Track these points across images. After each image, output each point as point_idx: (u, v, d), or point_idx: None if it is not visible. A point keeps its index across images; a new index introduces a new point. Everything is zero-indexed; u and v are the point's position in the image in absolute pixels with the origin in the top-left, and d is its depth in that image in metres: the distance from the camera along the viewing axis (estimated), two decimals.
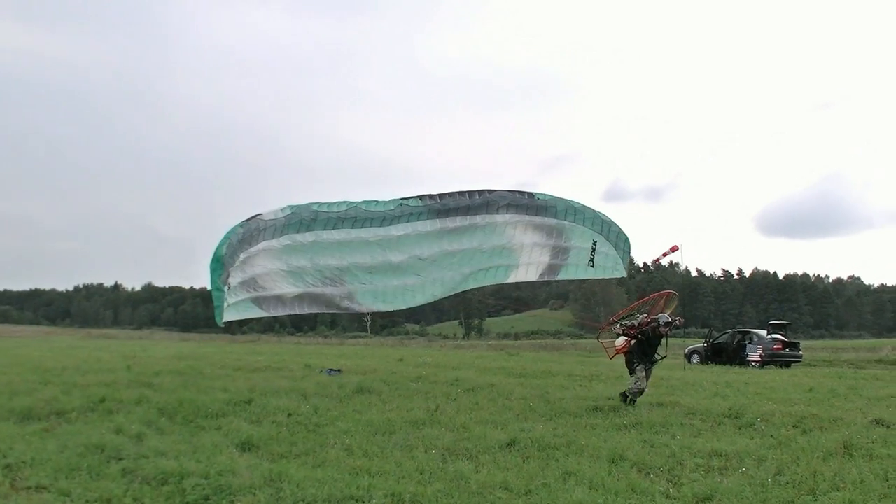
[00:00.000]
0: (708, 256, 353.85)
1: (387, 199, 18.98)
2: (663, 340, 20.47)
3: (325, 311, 19.78)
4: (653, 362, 20.35)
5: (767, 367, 43.06)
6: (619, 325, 20.98)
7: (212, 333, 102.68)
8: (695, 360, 47.27)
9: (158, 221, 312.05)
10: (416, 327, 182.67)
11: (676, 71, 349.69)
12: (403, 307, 20.80)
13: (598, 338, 23.91)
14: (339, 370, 30.70)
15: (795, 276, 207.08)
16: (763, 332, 47.73)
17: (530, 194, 20.69)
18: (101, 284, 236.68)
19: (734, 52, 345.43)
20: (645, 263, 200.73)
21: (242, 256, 17.43)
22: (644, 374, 19.71)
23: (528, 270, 21.83)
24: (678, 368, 37.32)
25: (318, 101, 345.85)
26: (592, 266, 21.75)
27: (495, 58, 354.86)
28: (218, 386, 22.95)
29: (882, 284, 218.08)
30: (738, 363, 44.61)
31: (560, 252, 21.68)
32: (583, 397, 21.66)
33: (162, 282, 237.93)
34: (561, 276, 22.24)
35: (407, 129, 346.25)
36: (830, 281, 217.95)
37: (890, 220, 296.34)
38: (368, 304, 20.13)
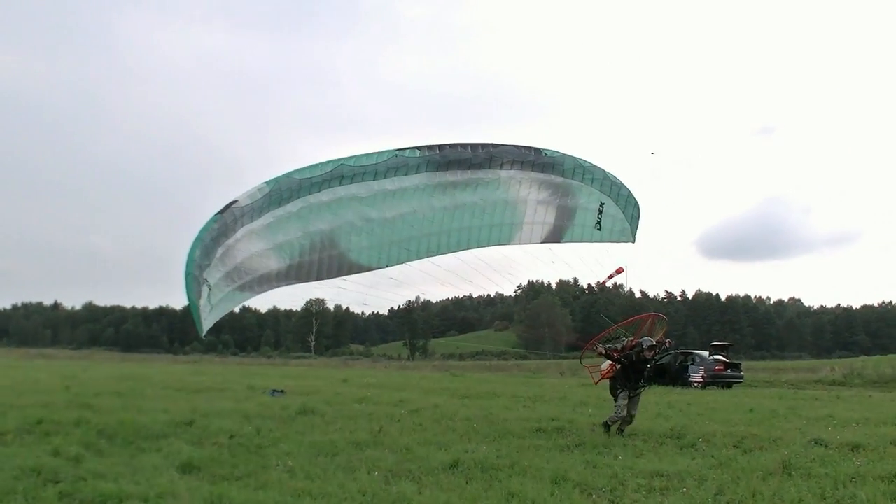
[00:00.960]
0: (651, 278, 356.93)
1: (380, 150, 17.36)
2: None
3: (314, 280, 17.61)
4: (638, 389, 18.97)
5: (709, 387, 43.60)
6: (601, 346, 19.62)
7: (154, 353, 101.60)
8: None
9: (98, 239, 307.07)
10: (361, 348, 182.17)
11: (620, 93, 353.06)
12: (397, 265, 18.55)
13: (581, 361, 22.31)
14: (282, 391, 30.52)
15: (737, 297, 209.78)
16: (705, 354, 48.26)
17: (537, 150, 19.00)
18: (39, 303, 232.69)
19: (676, 75, 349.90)
20: (589, 284, 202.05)
21: (220, 252, 16.14)
22: (627, 401, 18.54)
23: (532, 231, 19.69)
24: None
25: (269, 116, 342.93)
26: (599, 229, 20.06)
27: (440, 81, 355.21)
28: (159, 407, 22.68)
29: (822, 306, 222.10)
30: (680, 384, 44.96)
31: (566, 213, 19.85)
32: (526, 418, 21.73)
33: (103, 301, 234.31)
34: (566, 240, 20.23)
35: (354, 147, 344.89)
36: (772, 303, 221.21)
37: (829, 243, 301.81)
38: (363, 261, 18.00)
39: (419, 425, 19.93)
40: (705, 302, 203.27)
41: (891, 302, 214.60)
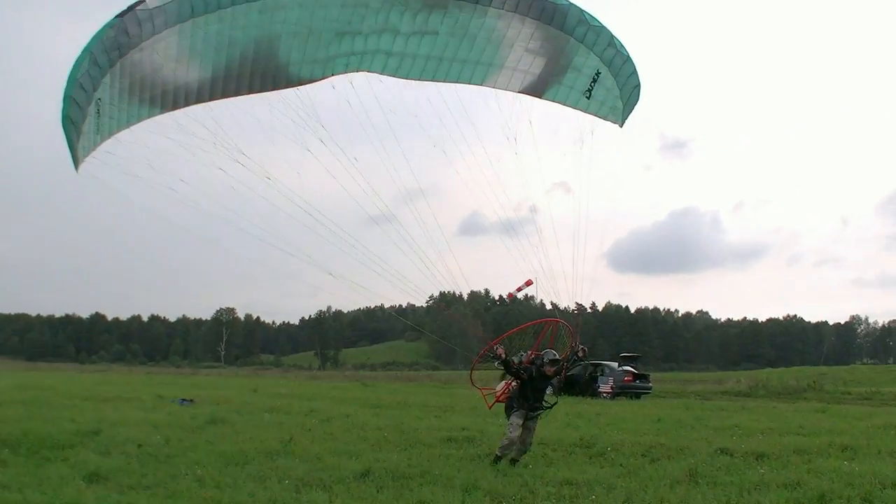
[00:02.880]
0: (562, 290, 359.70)
1: None
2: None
3: (244, 93, 14.54)
4: (536, 410, 15.88)
5: (618, 398, 44.09)
6: (500, 347, 15.70)
7: (60, 363, 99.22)
8: (548, 391, 47.87)
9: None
10: (271, 357, 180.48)
11: (530, 107, 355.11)
12: (345, 73, 15.43)
13: (471, 380, 17.02)
14: (191, 400, 30.11)
15: (646, 310, 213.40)
16: (614, 365, 48.83)
17: None
18: None
19: None
20: (500, 296, 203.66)
21: (119, 64, 12.83)
22: (521, 422, 15.42)
23: (511, 77, 16.70)
24: None
25: None
26: (589, 97, 16.74)
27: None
28: (65, 416, 22.14)
29: (728, 319, 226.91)
30: (590, 394, 45.39)
31: (555, 68, 16.63)
32: (437, 427, 21.78)
33: (6, 308, 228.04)
34: (548, 96, 17.07)
35: (259, 161, 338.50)
36: (680, 315, 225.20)
37: (736, 257, 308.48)
38: (304, 74, 14.96)
39: (330, 434, 19.85)
40: (615, 314, 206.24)
41: (795, 315, 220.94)
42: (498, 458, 15.52)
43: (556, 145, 17.48)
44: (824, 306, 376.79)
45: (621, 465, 15.52)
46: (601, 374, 47.44)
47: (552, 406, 16.77)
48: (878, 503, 11.88)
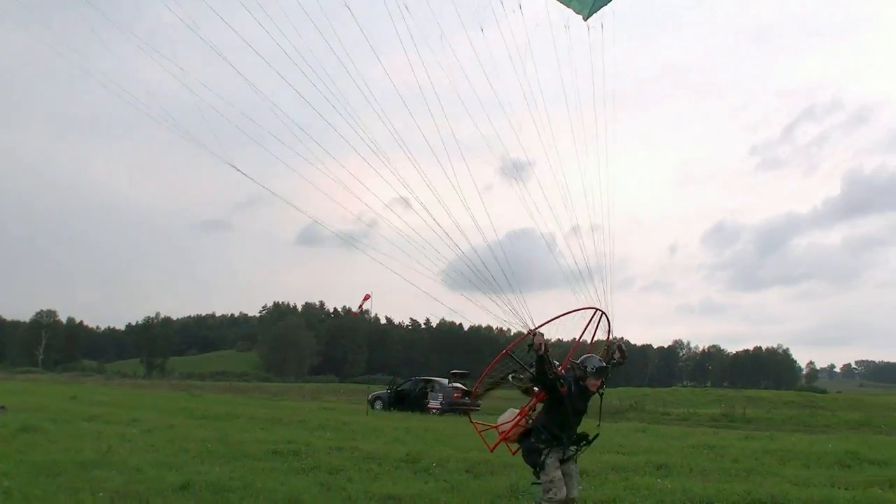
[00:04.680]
0: (398, 306, 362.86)
1: None
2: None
3: None
4: (577, 446, 10.58)
5: (447, 414, 44.45)
6: (510, 376, 11.17)
7: None
8: (378, 406, 48.01)
9: None
10: (94, 364, 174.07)
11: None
12: None
13: (469, 416, 13.13)
14: (3, 407, 28.73)
15: (479, 328, 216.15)
16: (444, 381, 49.32)
17: None
18: None
19: None
20: (335, 308, 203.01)
21: None
22: (558, 466, 10.18)
23: None
24: (361, 414, 37.80)
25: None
26: None
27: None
28: None
29: (558, 340, 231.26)
30: (420, 410, 45.66)
31: None
32: (263, 440, 21.43)
33: None
34: None
35: (96, 155, 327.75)
36: (513, 334, 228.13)
37: (570, 277, 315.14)
38: None
39: (151, 446, 19.27)
40: (449, 331, 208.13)
41: (622, 337, 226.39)
42: None
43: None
44: (649, 330, 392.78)
45: (445, 480, 15.60)
46: (431, 390, 47.85)
47: (596, 437, 10.88)
48: None
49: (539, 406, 10.69)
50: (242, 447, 19.66)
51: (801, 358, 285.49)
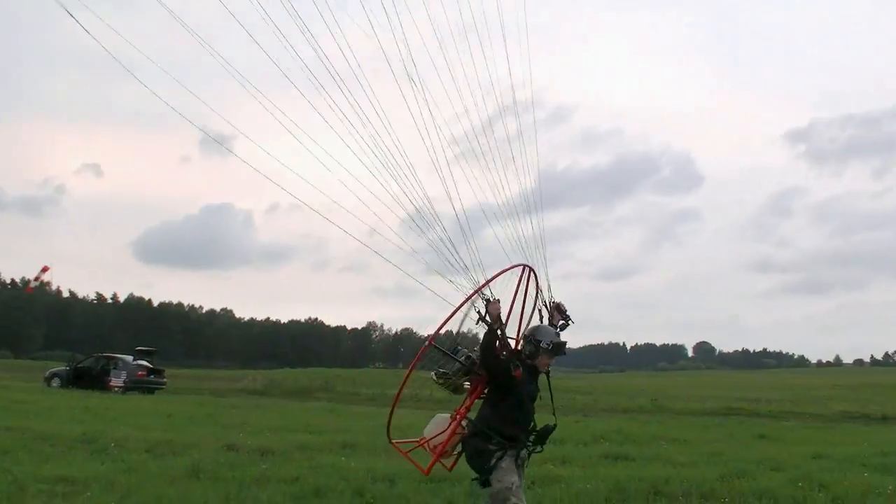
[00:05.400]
0: (83, 278, 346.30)
1: None
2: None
3: None
4: (542, 441, 8.30)
5: (131, 392, 43.19)
6: (432, 374, 8.51)
7: None
8: (55, 384, 45.75)
9: None
10: None
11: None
12: None
13: (388, 434, 9.06)
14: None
15: (170, 304, 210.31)
16: (129, 358, 47.79)
17: None
18: None
19: None
20: (13, 280, 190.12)
21: None
22: (515, 471, 7.86)
23: None
24: (36, 392, 35.93)
25: None
26: None
27: None
28: None
29: (252, 318, 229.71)
30: (101, 388, 43.93)
31: None
32: None
33: None
34: None
35: None
36: (204, 312, 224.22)
37: (266, 257, 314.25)
38: None
39: None
40: (137, 306, 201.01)
41: (317, 319, 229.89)
42: None
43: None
44: (344, 311, 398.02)
45: (123, 460, 15.11)
46: (114, 368, 46.37)
47: (555, 426, 8.38)
48: (368, 495, 12.65)
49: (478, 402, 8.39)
50: None
51: None
